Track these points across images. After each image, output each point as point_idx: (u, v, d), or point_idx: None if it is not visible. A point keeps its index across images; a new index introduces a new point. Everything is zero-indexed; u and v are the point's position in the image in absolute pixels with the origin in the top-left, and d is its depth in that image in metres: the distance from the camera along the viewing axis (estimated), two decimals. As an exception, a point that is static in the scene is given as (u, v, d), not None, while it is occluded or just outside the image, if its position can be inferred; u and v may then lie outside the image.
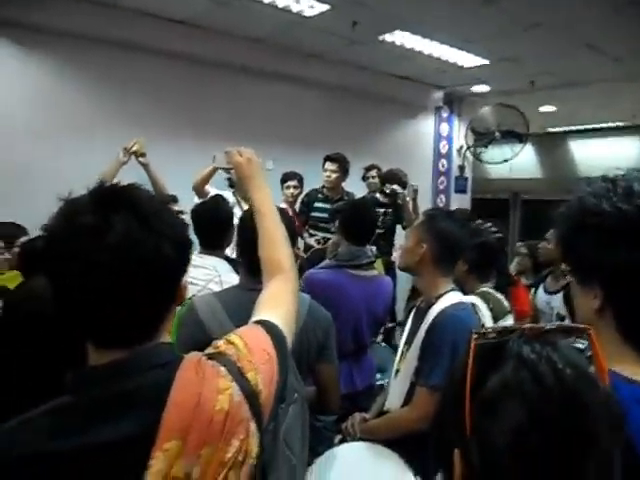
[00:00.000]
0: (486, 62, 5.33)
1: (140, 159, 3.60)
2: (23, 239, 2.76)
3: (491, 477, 0.65)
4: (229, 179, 3.88)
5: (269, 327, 0.99)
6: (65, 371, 0.81)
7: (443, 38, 4.74)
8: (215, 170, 3.57)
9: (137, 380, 0.79)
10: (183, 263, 0.87)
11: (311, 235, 4.48)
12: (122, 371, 0.79)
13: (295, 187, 4.46)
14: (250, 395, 0.84)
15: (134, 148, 3.52)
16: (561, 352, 0.66)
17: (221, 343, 0.91)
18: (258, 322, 1.01)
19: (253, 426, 0.82)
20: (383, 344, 3.72)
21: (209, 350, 0.90)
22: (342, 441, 2.01)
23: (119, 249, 0.76)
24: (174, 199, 3.53)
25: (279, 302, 1.11)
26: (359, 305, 2.49)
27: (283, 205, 4.06)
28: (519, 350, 0.66)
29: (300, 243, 4.60)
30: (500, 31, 4.44)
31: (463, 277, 2.50)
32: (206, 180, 3.73)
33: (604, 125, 8.02)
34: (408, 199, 4.41)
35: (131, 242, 0.77)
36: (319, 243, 4.26)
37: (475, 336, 0.70)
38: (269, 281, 1.19)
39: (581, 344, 0.74)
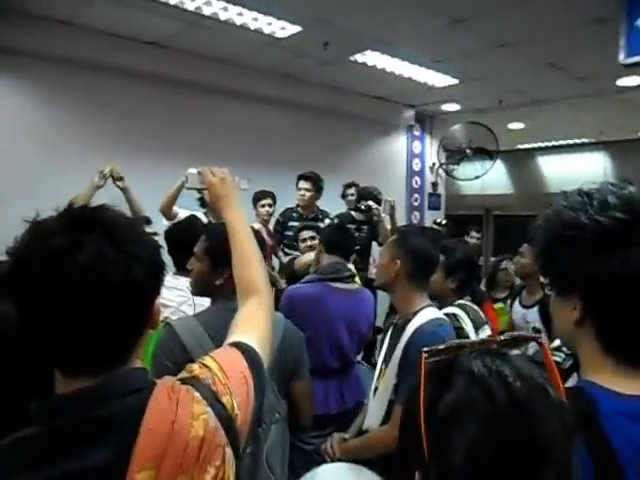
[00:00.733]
0: (455, 81, 5.43)
1: (118, 183, 3.54)
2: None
3: None
4: (201, 199, 3.84)
5: (244, 349, 0.97)
6: (30, 400, 0.78)
7: (413, 58, 4.82)
8: (180, 190, 3.52)
9: (108, 408, 0.76)
10: (155, 286, 0.85)
11: (286, 254, 4.47)
12: (92, 399, 0.76)
13: (270, 205, 4.45)
14: (226, 420, 0.81)
15: (109, 172, 3.47)
16: (512, 364, 0.65)
17: (195, 367, 0.88)
18: (233, 344, 0.99)
19: (229, 452, 0.80)
20: (364, 363, 3.68)
21: (183, 374, 0.87)
22: (322, 462, 1.99)
23: (89, 269, 0.74)
24: (147, 221, 3.48)
25: (254, 324, 1.09)
26: (340, 318, 2.49)
27: (256, 225, 4.03)
28: (469, 366, 0.65)
29: (275, 262, 4.57)
30: (468, 51, 4.54)
31: (448, 294, 2.51)
32: (172, 201, 3.67)
33: (571, 141, 8.23)
34: (384, 215, 4.43)
35: (102, 262, 0.75)
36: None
37: (425, 355, 0.68)
38: (244, 301, 1.17)
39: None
